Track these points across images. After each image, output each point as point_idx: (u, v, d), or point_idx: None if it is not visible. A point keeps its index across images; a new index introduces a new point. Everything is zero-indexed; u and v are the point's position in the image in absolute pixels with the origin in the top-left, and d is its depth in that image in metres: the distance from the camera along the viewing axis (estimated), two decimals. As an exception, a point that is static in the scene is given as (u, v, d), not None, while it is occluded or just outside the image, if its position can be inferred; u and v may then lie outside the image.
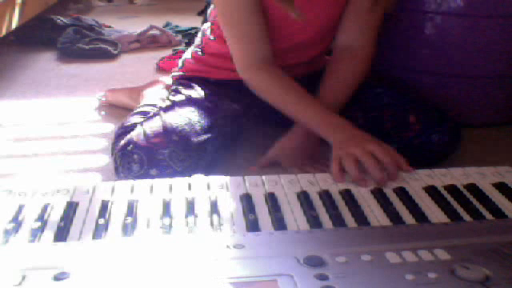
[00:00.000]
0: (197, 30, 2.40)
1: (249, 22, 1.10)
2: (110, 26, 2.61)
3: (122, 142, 1.05)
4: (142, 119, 1.14)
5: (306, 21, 1.14)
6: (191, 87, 1.22)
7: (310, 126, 1.05)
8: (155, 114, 1.12)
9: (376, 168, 0.84)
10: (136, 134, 1.05)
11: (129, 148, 1.02)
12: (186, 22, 2.68)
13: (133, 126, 1.11)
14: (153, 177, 0.97)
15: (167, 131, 1.04)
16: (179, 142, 1.03)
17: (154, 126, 1.06)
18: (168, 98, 1.20)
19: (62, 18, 2.44)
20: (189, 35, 2.43)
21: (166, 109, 1.13)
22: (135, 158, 1.01)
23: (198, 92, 1.20)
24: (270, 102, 1.12)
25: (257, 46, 1.11)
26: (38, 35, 2.36)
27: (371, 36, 1.19)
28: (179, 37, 2.43)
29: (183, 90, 1.21)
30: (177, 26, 2.60)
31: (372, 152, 0.87)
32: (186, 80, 1.27)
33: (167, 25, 2.61)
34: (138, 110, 1.26)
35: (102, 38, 2.28)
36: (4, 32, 1.98)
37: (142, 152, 1.01)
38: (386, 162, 0.85)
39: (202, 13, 2.54)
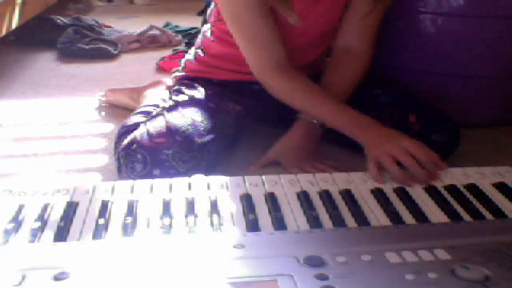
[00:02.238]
0: (197, 29, 2.40)
1: (258, 24, 1.09)
2: (109, 26, 2.61)
3: (126, 141, 1.05)
4: (145, 119, 1.14)
5: (306, 25, 1.14)
6: (194, 88, 1.22)
7: (338, 127, 1.05)
8: (158, 114, 1.12)
9: (418, 167, 0.84)
10: (140, 134, 1.05)
11: (132, 147, 1.02)
12: (186, 21, 2.68)
13: (135, 126, 1.11)
14: (156, 177, 0.97)
15: (171, 131, 1.04)
16: (183, 143, 1.02)
17: (157, 125, 1.06)
18: (171, 98, 1.20)
19: (62, 18, 2.44)
20: (189, 35, 2.43)
21: (170, 109, 1.13)
22: (139, 157, 1.01)
23: (200, 92, 1.20)
24: (291, 105, 1.12)
25: (270, 49, 1.10)
26: (38, 35, 2.36)
27: (371, 37, 1.19)
28: (179, 37, 2.43)
29: (186, 91, 1.21)
30: (177, 26, 2.60)
31: (407, 148, 0.87)
32: (188, 80, 1.27)
33: (167, 25, 2.61)
34: (140, 109, 1.25)
35: (102, 38, 2.28)
36: (4, 32, 1.98)
37: (146, 152, 1.01)
38: (424, 161, 0.85)
39: (202, 13, 2.55)
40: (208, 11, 1.34)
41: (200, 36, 1.32)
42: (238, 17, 1.11)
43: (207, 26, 1.28)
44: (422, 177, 0.83)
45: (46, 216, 0.72)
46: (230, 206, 0.75)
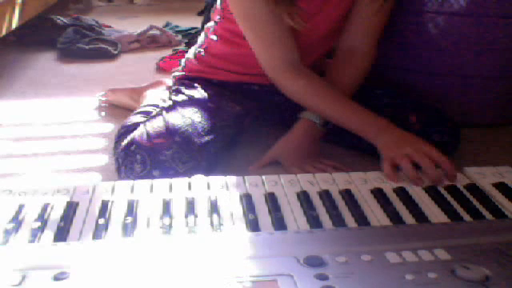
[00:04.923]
0: (197, 29, 2.40)
1: (271, 24, 1.09)
2: (110, 26, 2.61)
3: (125, 142, 1.05)
4: (145, 119, 1.14)
5: (311, 26, 1.13)
6: (193, 87, 1.22)
7: (351, 128, 1.05)
8: (158, 114, 1.12)
9: (433, 167, 0.85)
10: (139, 134, 1.05)
11: (132, 148, 1.02)
12: (186, 21, 2.69)
13: (135, 126, 1.11)
14: (155, 178, 0.97)
15: (170, 132, 1.04)
16: (182, 143, 1.02)
17: (156, 126, 1.06)
18: (170, 98, 1.20)
19: (62, 18, 2.44)
20: (189, 35, 2.43)
21: (169, 109, 1.13)
22: (138, 158, 1.01)
23: (200, 93, 1.20)
24: (304, 105, 1.12)
25: (283, 48, 1.10)
26: (38, 35, 2.36)
27: (375, 38, 1.19)
28: (179, 37, 2.43)
29: (185, 91, 1.21)
30: (177, 26, 2.60)
31: (425, 152, 0.88)
32: (188, 80, 1.27)
33: (167, 25, 2.61)
34: (140, 110, 1.25)
35: (102, 38, 2.28)
36: (4, 32, 1.98)
37: (145, 152, 1.01)
38: (442, 161, 0.86)
39: (202, 13, 2.55)
40: (212, 11, 1.34)
41: (202, 35, 1.32)
42: (250, 17, 1.10)
43: (210, 25, 1.28)
44: (435, 176, 0.84)
45: (46, 216, 0.72)
46: (230, 206, 0.75)
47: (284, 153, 1.13)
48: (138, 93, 1.50)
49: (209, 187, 0.80)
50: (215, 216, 0.72)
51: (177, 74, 1.34)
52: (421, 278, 0.55)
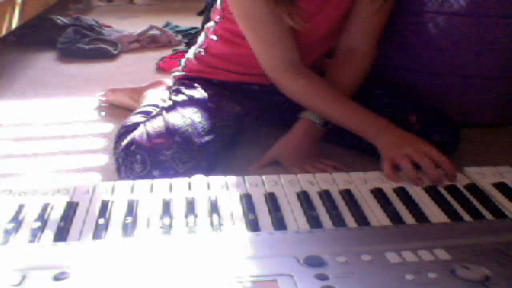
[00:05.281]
0: (197, 29, 2.40)
1: (272, 23, 1.09)
2: (110, 26, 2.61)
3: (125, 142, 1.05)
4: (145, 119, 1.14)
5: (311, 26, 1.13)
6: (193, 87, 1.22)
7: (353, 129, 1.05)
8: (158, 114, 1.12)
9: (433, 167, 0.85)
10: (139, 134, 1.05)
11: (132, 148, 1.02)
12: (186, 21, 2.69)
13: (135, 126, 1.11)
14: (155, 178, 0.97)
15: (170, 132, 1.04)
16: (182, 143, 1.02)
17: (156, 126, 1.06)
18: (170, 98, 1.20)
19: (62, 18, 2.44)
20: (189, 35, 2.43)
21: (169, 109, 1.13)
22: (138, 158, 1.01)
23: (200, 93, 1.20)
24: (304, 105, 1.12)
25: (283, 48, 1.10)
26: (38, 35, 2.37)
27: (375, 38, 1.19)
28: (179, 37, 2.43)
29: (185, 91, 1.21)
30: (177, 26, 2.60)
31: (425, 152, 0.88)
32: (188, 80, 1.27)
33: (167, 25, 2.61)
34: (140, 110, 1.25)
35: (102, 37, 2.28)
36: (4, 32, 1.98)
37: (145, 152, 1.01)
38: (442, 161, 0.86)
39: (202, 13, 2.55)
40: (212, 11, 1.33)
41: (202, 35, 1.32)
42: (250, 17, 1.10)
43: (210, 25, 1.28)
44: (435, 176, 0.84)
45: (46, 216, 0.72)
46: (230, 206, 0.75)
47: (284, 153, 1.13)
48: (138, 93, 1.50)
49: (209, 187, 0.80)
50: (215, 216, 0.72)
51: (177, 74, 1.34)
52: (421, 278, 0.55)
